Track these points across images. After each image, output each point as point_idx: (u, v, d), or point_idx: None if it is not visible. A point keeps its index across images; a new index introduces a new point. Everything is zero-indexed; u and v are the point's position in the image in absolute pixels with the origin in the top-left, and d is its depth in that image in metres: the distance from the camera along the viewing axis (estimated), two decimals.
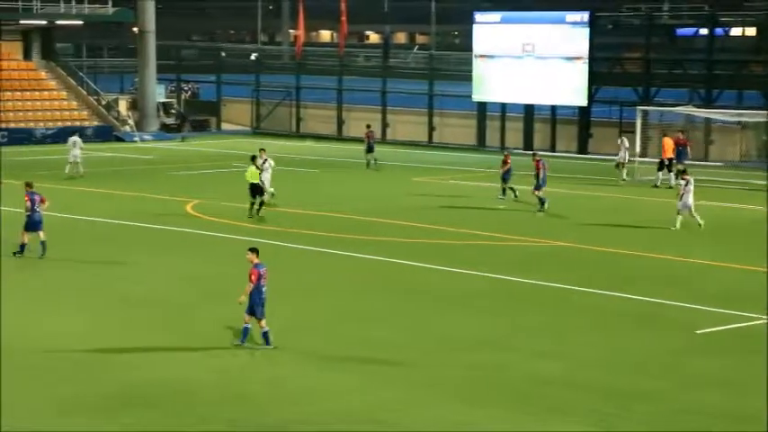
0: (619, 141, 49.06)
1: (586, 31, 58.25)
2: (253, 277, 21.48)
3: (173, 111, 72.64)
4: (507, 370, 20.60)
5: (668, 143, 47.52)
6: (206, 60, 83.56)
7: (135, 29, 71.26)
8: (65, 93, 68.98)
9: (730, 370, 20.78)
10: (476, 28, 62.46)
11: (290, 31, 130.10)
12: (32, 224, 30.23)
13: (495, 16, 61.82)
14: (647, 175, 47.34)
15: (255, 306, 21.50)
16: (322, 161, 56.11)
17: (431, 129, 66.58)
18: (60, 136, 59.73)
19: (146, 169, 52.89)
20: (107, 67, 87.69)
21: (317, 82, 73.79)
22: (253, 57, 79.08)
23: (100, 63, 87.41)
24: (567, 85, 58.78)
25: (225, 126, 75.89)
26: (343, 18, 68.57)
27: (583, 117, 60.68)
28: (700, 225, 35.36)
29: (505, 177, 41.85)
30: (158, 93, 71.56)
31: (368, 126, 54.94)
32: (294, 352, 21.56)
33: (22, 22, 68.55)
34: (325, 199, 42.32)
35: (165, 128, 70.23)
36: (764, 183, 45.28)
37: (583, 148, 60.25)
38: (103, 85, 75.79)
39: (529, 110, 62.42)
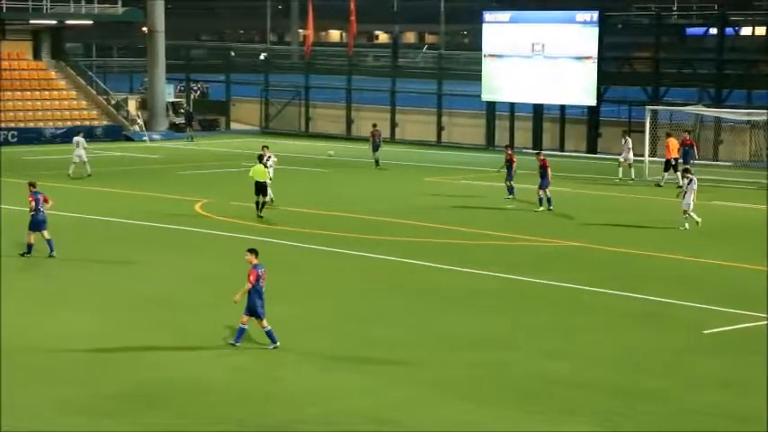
0: (623, 141, 48.97)
1: (596, 30, 58.18)
2: (251, 278, 21.46)
3: (181, 110, 72.71)
4: (514, 369, 20.58)
5: (673, 143, 47.45)
6: (215, 60, 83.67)
7: (144, 29, 71.35)
8: (74, 92, 69.09)
9: (737, 370, 20.74)
10: (485, 27, 62.41)
11: (300, 30, 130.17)
12: (37, 223, 30.28)
13: (505, 15, 61.77)
14: (656, 174, 47.26)
15: (255, 307, 21.48)
16: (332, 161, 56.09)
17: (440, 128, 66.57)
18: (70, 136, 59.58)
19: (155, 169, 52.95)
20: (116, 66, 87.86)
21: (326, 81, 73.82)
22: (262, 56, 79.13)
23: (109, 63, 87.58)
24: (576, 84, 58.72)
25: (234, 126, 75.97)
26: (353, 18, 68.59)
27: (592, 117, 60.63)
28: (684, 227, 35.17)
29: (509, 176, 41.77)
30: (167, 92, 71.66)
31: (374, 125, 55.00)
32: (303, 352, 21.57)
33: (31, 21, 68.66)
34: (336, 199, 42.33)
35: (175, 127, 70.33)
36: None
37: (592, 148, 60.19)
38: (113, 84, 75.94)
39: (538, 109, 62.38)
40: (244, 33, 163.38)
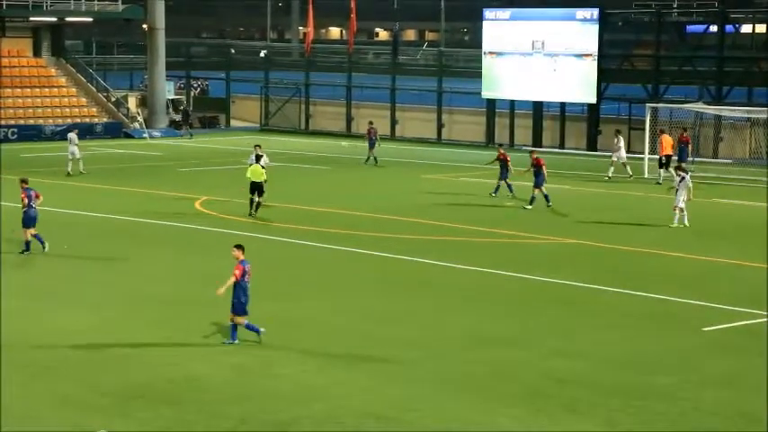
0: (615, 140, 48.94)
1: (596, 27, 58.20)
2: (237, 272, 21.45)
3: (181, 108, 72.73)
4: (518, 367, 20.55)
5: (666, 140, 47.45)
6: (215, 57, 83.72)
7: (145, 26, 71.32)
8: (74, 89, 69.09)
9: (741, 368, 20.72)
10: (485, 25, 62.44)
11: (300, 27, 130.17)
12: (30, 220, 30.29)
13: (505, 13, 61.76)
14: (655, 172, 47.24)
15: (239, 303, 21.49)
16: (332, 158, 56.09)
17: (440, 126, 66.58)
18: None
19: (155, 166, 52.95)
20: (117, 63, 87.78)
21: (327, 79, 73.86)
22: (262, 54, 79.11)
23: (109, 60, 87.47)
24: (576, 82, 58.75)
25: (234, 123, 75.97)
26: (353, 15, 68.53)
27: (592, 114, 60.64)
28: (673, 225, 35.09)
29: (504, 174, 41.71)
30: (167, 90, 71.65)
31: (370, 122, 55.06)
32: (302, 349, 21.55)
33: (32, 18, 68.64)
34: (335, 196, 42.33)
35: (175, 124, 70.35)
36: None
37: (592, 146, 60.19)
38: (113, 81, 75.96)
39: (538, 107, 62.42)
40: (244, 30, 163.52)
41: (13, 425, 17.10)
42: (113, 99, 69.80)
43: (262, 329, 21.66)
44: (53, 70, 69.57)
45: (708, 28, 63.17)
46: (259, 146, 40.34)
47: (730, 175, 48.79)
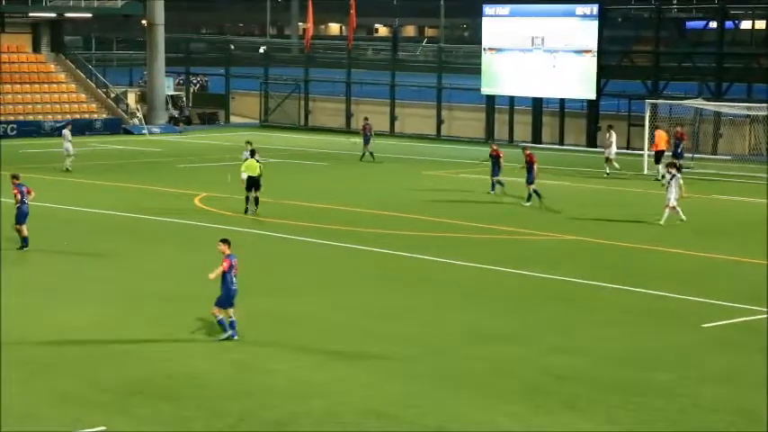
0: (607, 135, 48.94)
1: (595, 24, 58.22)
2: (225, 264, 21.46)
3: (180, 104, 72.73)
4: (518, 364, 20.55)
5: (660, 135, 47.47)
6: (215, 53, 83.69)
7: (144, 21, 71.29)
8: (74, 85, 69.06)
9: (740, 365, 20.73)
10: (485, 21, 62.46)
11: (299, 24, 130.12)
12: (23, 216, 30.26)
13: (505, 9, 61.74)
14: (654, 168, 47.24)
15: (226, 299, 21.50)
16: (331, 154, 56.08)
17: (439, 122, 66.59)
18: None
19: (154, 162, 52.94)
20: (116, 59, 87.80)
21: (326, 75, 73.83)
22: (261, 50, 79.10)
23: (109, 56, 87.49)
24: (575, 78, 58.76)
25: (233, 119, 75.95)
26: (353, 11, 68.54)
27: (591, 110, 60.64)
28: (659, 222, 35.05)
29: (495, 171, 41.71)
30: (167, 86, 71.62)
31: (365, 118, 55.15)
32: (301, 345, 21.55)
33: (31, 14, 68.61)
34: (334, 192, 42.30)
35: (174, 121, 70.33)
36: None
37: (591, 142, 60.19)
38: (112, 77, 75.92)
39: (537, 103, 62.43)
40: (243, 27, 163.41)
41: (13, 422, 17.10)
42: (113, 95, 69.78)
43: (236, 337, 21.62)
44: (52, 66, 69.54)
45: (707, 24, 63.17)
46: (250, 142, 40.13)
47: (729, 171, 48.81)
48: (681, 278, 27.99)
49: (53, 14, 69.18)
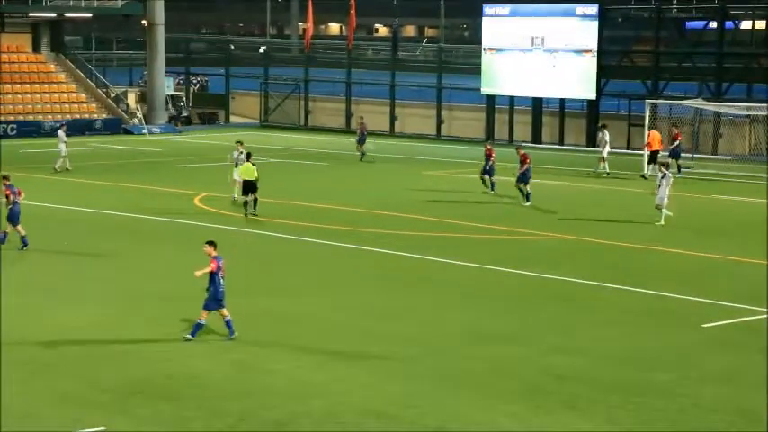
0: (600, 135, 48.91)
1: (595, 24, 58.20)
2: (213, 264, 21.42)
3: (180, 104, 72.72)
4: (518, 364, 20.55)
5: (654, 136, 47.47)
6: (215, 53, 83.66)
7: (144, 22, 71.28)
8: (74, 85, 69.04)
9: (740, 365, 20.73)
10: (485, 21, 62.45)
11: (299, 23, 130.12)
12: (16, 216, 30.22)
13: (505, 9, 61.71)
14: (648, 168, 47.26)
15: (214, 300, 21.48)
16: (332, 154, 56.06)
17: (439, 122, 66.58)
18: (69, 129, 59.66)
19: (154, 162, 52.92)
20: (116, 59, 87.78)
21: (326, 75, 73.80)
22: (261, 50, 79.08)
23: (109, 56, 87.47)
24: (575, 78, 58.76)
25: (233, 119, 75.93)
26: (353, 11, 68.53)
27: (591, 110, 60.62)
28: (659, 222, 35.06)
29: (490, 170, 41.72)
30: (167, 86, 71.60)
31: (360, 117, 55.20)
32: (301, 346, 21.56)
33: (31, 14, 68.58)
34: (334, 192, 42.28)
35: (173, 120, 70.33)
36: None
37: (591, 142, 60.13)
38: (112, 77, 75.89)
39: (537, 103, 62.43)
40: (243, 26, 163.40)
41: (13, 422, 17.10)
42: (113, 95, 69.75)
43: (235, 335, 21.61)
44: (52, 66, 69.52)
45: (707, 24, 63.17)
46: (241, 143, 40.00)
47: (730, 171, 48.80)
48: (681, 278, 27.99)
49: (53, 14, 69.15)
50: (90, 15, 73.16)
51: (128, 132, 66.14)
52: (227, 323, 21.74)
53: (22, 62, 68.31)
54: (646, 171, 46.53)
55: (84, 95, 68.36)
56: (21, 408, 17.79)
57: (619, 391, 18.96)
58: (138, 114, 68.24)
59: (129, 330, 22.50)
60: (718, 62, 57.22)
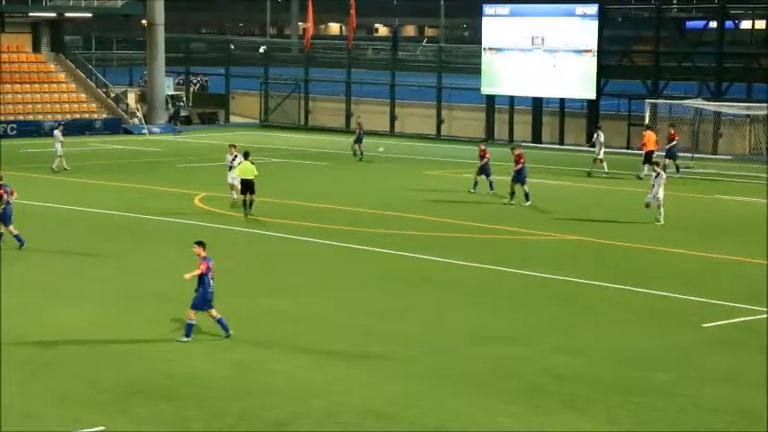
0: (595, 136, 48.91)
1: (596, 23, 58.20)
2: (202, 266, 21.40)
3: (180, 104, 72.71)
4: (518, 364, 20.53)
5: (649, 136, 47.47)
6: (215, 53, 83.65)
7: (144, 21, 71.26)
8: (74, 85, 69.03)
9: (740, 365, 20.72)
10: (485, 21, 62.46)
11: (299, 23, 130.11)
12: (8, 217, 30.14)
13: (505, 9, 61.71)
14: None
15: (203, 301, 21.44)
16: (331, 154, 56.04)
17: (439, 122, 66.57)
18: (69, 129, 59.72)
19: (154, 162, 52.91)
20: (116, 59, 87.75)
21: (326, 75, 73.80)
22: (261, 49, 79.06)
23: (109, 55, 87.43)
24: (575, 77, 58.75)
25: (233, 119, 75.92)
26: (353, 11, 68.53)
27: (591, 110, 60.61)
28: (660, 221, 35.05)
29: (485, 170, 41.68)
30: (167, 85, 71.58)
31: (358, 117, 55.29)
32: (301, 346, 21.53)
33: (31, 14, 68.58)
34: (335, 192, 42.26)
35: (171, 120, 70.32)
36: None
37: (591, 142, 60.04)
38: (112, 77, 75.87)
39: (537, 103, 62.43)
40: (243, 26, 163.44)
41: (13, 422, 17.07)
42: (113, 95, 69.74)
43: (230, 332, 21.61)
44: (52, 66, 69.51)
45: (707, 24, 63.16)
46: (234, 146, 39.84)
47: (730, 171, 48.78)
48: (682, 278, 27.97)
49: (53, 14, 69.14)
50: (90, 15, 73.16)
51: (128, 132, 66.12)
52: (220, 322, 21.67)
53: (22, 62, 68.30)
54: (641, 172, 46.49)
55: (84, 95, 68.35)
56: (20, 408, 17.76)
57: (619, 391, 18.94)
58: (138, 114, 68.23)
59: (128, 330, 22.47)
60: (718, 62, 57.22)
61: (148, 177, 46.06)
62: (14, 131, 62.76)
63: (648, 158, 45.93)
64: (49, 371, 19.82)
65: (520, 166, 39.22)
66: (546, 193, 41.25)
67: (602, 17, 58.65)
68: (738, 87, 59.03)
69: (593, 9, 58.24)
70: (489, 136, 62.94)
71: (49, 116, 65.16)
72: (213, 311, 21.68)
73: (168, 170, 49.54)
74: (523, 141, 57.67)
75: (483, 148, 42.58)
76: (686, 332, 22.93)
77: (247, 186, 36.35)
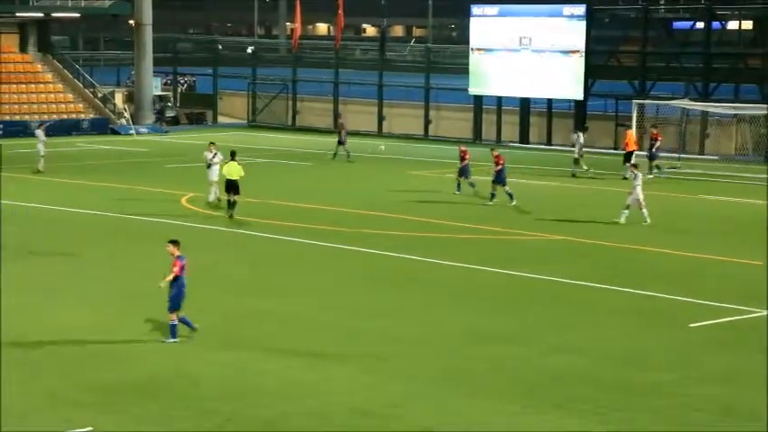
0: (574, 136, 48.99)
1: (583, 24, 58.26)
2: (176, 268, 21.38)
3: (167, 104, 72.62)
4: (513, 364, 20.53)
5: (631, 136, 47.59)
6: (202, 53, 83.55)
7: (131, 21, 71.16)
8: (61, 85, 68.91)
9: (736, 364, 20.76)
10: (473, 21, 62.48)
11: (287, 24, 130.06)
12: None
13: (493, 9, 61.73)
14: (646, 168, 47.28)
15: (176, 299, 21.44)
16: (318, 154, 56.01)
17: (427, 122, 66.59)
18: (56, 129, 59.65)
19: (141, 162, 52.81)
20: (103, 59, 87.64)
21: (314, 75, 73.76)
22: (249, 50, 78.99)
23: (96, 56, 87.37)
24: (563, 78, 58.81)
25: (221, 119, 75.86)
26: (340, 11, 68.48)
27: (579, 110, 60.68)
28: (646, 221, 35.17)
29: (464, 172, 41.74)
30: (154, 86, 71.47)
31: (339, 116, 55.34)
32: (291, 346, 21.54)
33: (18, 14, 68.44)
34: (323, 193, 42.25)
35: (158, 120, 70.24)
36: (762, 176, 45.34)
37: None
38: (100, 77, 75.76)
39: (525, 103, 62.49)
40: (231, 26, 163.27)
41: (13, 422, 17.05)
42: (100, 95, 69.63)
43: (196, 325, 21.65)
44: (39, 66, 69.38)
45: (694, 24, 63.32)
46: (213, 143, 39.83)
47: (716, 171, 48.89)
48: (669, 278, 28.01)
49: (40, 14, 69.01)
50: (77, 15, 73.04)
51: (115, 132, 65.99)
52: (183, 321, 21.61)
53: (9, 62, 68.11)
54: (626, 172, 46.58)
55: (71, 95, 68.23)
56: (20, 408, 17.73)
57: (618, 391, 18.97)
58: (125, 114, 68.12)
59: (119, 331, 22.44)
60: (706, 62, 57.35)
61: (136, 178, 45.99)
62: (1, 132, 62.57)
63: (628, 158, 46.02)
64: (38, 371, 19.78)
65: (499, 167, 39.29)
66: (532, 193, 41.30)
67: (590, 18, 58.73)
68: (726, 88, 59.18)
69: (580, 9, 58.32)
70: (477, 136, 63.01)
71: (36, 116, 64.92)
72: (177, 314, 21.66)
73: (155, 170, 49.45)
74: (511, 141, 57.75)
75: (463, 149, 42.62)
76: (675, 332, 22.96)
77: (232, 186, 36.25)
